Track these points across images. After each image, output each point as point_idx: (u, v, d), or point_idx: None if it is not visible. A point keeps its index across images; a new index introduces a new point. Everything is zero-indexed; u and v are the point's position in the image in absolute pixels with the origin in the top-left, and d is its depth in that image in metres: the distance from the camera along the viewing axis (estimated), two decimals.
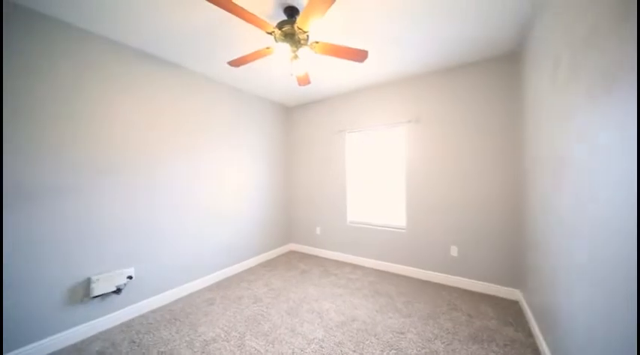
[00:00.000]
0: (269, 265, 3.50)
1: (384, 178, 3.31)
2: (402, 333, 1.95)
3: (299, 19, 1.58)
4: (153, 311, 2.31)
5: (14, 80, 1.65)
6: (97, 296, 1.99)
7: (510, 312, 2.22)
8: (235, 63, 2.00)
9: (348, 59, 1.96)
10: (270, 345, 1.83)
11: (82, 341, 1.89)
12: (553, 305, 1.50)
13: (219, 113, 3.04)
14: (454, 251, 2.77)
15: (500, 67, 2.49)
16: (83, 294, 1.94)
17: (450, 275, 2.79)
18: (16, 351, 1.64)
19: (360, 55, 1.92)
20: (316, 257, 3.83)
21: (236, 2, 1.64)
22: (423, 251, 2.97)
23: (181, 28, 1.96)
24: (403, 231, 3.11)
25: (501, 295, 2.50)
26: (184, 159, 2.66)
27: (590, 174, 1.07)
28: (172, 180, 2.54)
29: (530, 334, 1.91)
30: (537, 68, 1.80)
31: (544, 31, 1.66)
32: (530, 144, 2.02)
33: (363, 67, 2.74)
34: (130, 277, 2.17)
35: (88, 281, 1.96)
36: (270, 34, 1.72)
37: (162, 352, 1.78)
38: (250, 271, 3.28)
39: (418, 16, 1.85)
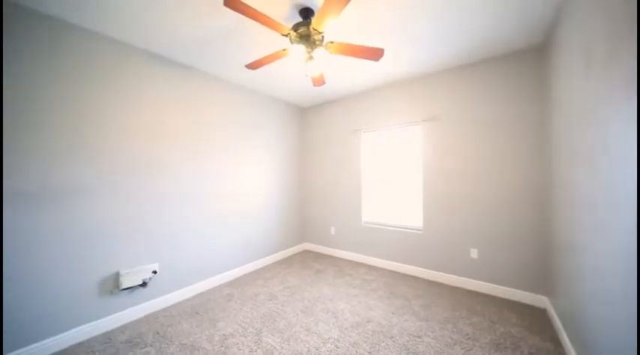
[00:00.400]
0: (284, 263, 3.55)
1: (400, 178, 3.24)
2: (419, 337, 1.91)
3: (314, 19, 1.59)
4: (175, 305, 2.42)
5: (41, 84, 1.80)
6: (125, 289, 2.12)
7: (537, 320, 2.10)
8: (253, 66, 2.05)
9: (364, 58, 1.95)
10: (286, 343, 1.86)
11: (112, 331, 2.02)
12: (586, 315, 1.41)
13: (237, 115, 3.13)
14: (474, 253, 2.66)
15: (524, 61, 2.36)
16: (113, 286, 2.08)
17: (469, 279, 2.69)
18: (53, 338, 1.79)
19: (375, 54, 1.90)
20: (330, 256, 3.84)
21: (253, 6, 1.68)
22: (441, 253, 2.88)
23: (198, 33, 2.03)
24: (420, 232, 3.04)
25: (527, 301, 2.37)
26: (206, 160, 2.76)
27: (632, 170, 0.98)
28: (194, 181, 2.65)
29: (559, 344, 1.80)
30: (567, 58, 1.69)
31: (576, 18, 1.55)
32: (559, 140, 1.90)
33: (378, 66, 2.71)
34: (155, 272, 2.30)
35: (117, 275, 2.09)
36: (286, 36, 1.74)
37: (183, 344, 1.86)
38: (266, 269, 3.34)
39: (437, 11, 1.80)
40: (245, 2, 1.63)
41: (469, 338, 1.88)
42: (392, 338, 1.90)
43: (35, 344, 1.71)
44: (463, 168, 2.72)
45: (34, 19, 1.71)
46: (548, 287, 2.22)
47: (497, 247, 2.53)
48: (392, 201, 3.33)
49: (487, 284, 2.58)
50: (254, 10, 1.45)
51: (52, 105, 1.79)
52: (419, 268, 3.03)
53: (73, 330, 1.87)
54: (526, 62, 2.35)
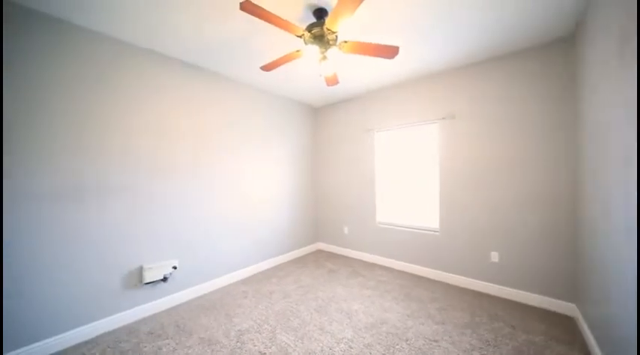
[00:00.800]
0: (298, 263, 3.58)
1: (415, 178, 3.17)
2: (436, 341, 1.86)
3: (328, 19, 1.59)
4: (194, 300, 2.52)
5: (72, 89, 1.93)
6: (148, 283, 2.24)
7: (564, 329, 1.98)
8: (267, 67, 2.08)
9: (378, 56, 1.92)
10: (300, 341, 1.88)
11: (136, 322, 2.14)
12: (621, 326, 1.31)
13: (254, 117, 3.20)
14: (495, 256, 2.55)
15: (550, 55, 2.23)
16: (137, 281, 2.19)
17: (489, 283, 2.58)
18: (84, 327, 1.92)
19: (390, 52, 1.87)
20: (344, 256, 3.82)
21: (268, 9, 1.71)
22: (459, 255, 2.78)
23: (214, 36, 2.10)
24: (436, 233, 2.95)
25: (553, 309, 2.24)
26: (222, 161, 2.85)
27: None
28: (212, 181, 2.74)
29: None
30: (602, 48, 1.57)
31: (606, 5, 1.45)
32: (591, 138, 1.77)
33: (392, 64, 2.66)
34: (175, 267, 2.40)
35: (140, 270, 2.21)
36: (300, 37, 1.76)
37: (202, 338, 1.93)
38: (279, 268, 3.39)
39: (455, 3, 1.74)
40: (260, 5, 1.67)
41: (489, 345, 1.80)
42: (407, 341, 1.86)
43: (68, 332, 1.84)
44: (483, 167, 2.62)
45: (43, 22, 1.75)
46: (578, 294, 2.09)
47: (520, 250, 2.41)
48: (407, 201, 3.27)
49: (509, 289, 2.46)
50: (269, 13, 1.47)
51: (77, 106, 1.92)
52: (435, 270, 2.95)
53: (102, 320, 1.99)
54: (552, 56, 2.22)
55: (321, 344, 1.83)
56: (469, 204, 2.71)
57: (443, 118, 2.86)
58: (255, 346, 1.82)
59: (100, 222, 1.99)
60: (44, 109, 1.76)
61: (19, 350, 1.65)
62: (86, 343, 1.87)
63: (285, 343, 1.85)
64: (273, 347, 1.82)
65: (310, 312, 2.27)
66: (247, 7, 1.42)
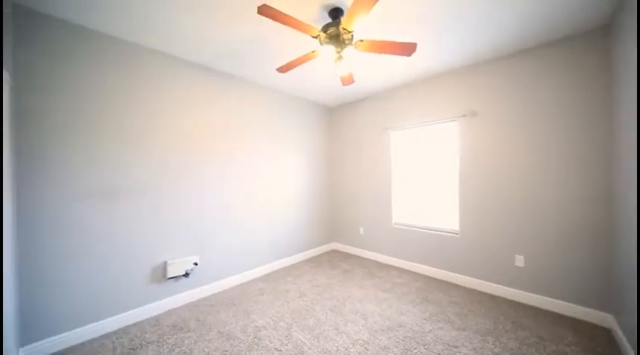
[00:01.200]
0: (313, 262, 3.60)
1: (433, 178, 3.08)
2: (456, 347, 1.79)
3: (344, 19, 1.59)
4: (213, 295, 2.61)
5: (108, 100, 2.06)
6: (171, 278, 2.35)
7: (597, 340, 1.84)
8: (283, 69, 2.11)
9: (395, 54, 1.89)
10: (315, 340, 1.89)
11: (159, 315, 2.25)
12: None
13: (270, 118, 3.26)
14: (520, 261, 2.42)
15: (582, 45, 2.08)
16: (161, 275, 2.31)
17: (513, 289, 2.45)
18: (112, 317, 2.04)
19: (407, 49, 1.83)
20: (359, 257, 3.79)
21: (284, 11, 1.74)
22: (480, 259, 2.67)
23: (232, 40, 2.16)
24: (456, 235, 2.85)
25: (586, 318, 2.08)
26: (241, 161, 2.93)
27: None
28: (231, 182, 2.83)
29: None
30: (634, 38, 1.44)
31: None
32: (631, 133, 1.63)
33: (409, 61, 2.60)
34: (196, 264, 2.50)
35: (165, 265, 2.32)
36: (316, 37, 1.77)
37: (221, 332, 2.00)
38: (295, 267, 3.42)
39: None
40: (277, 8, 1.70)
41: (514, 354, 1.72)
42: (425, 345, 1.82)
43: (100, 322, 1.97)
44: (507, 166, 2.49)
45: (103, 40, 1.98)
46: (614, 303, 1.93)
47: (549, 255, 2.27)
48: (424, 201, 3.18)
49: (536, 296, 2.33)
50: (286, 15, 1.49)
51: (115, 115, 2.05)
52: (455, 274, 2.85)
53: (129, 312, 2.12)
54: (588, 44, 2.07)
55: (336, 344, 1.83)
56: (491, 204, 2.59)
57: (463, 115, 2.76)
58: (271, 343, 1.86)
59: (127, 220, 2.12)
60: (94, 119, 1.90)
61: (55, 337, 1.79)
62: (115, 332, 1.99)
63: (301, 341, 1.87)
64: (289, 344, 1.84)
65: (325, 312, 2.27)
66: (265, 11, 1.45)
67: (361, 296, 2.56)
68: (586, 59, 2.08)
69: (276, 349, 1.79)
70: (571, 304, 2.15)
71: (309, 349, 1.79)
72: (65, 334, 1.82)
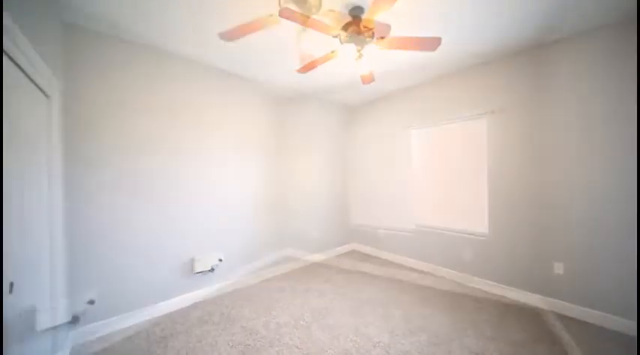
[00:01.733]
0: (332, 262, 3.60)
1: (458, 177, 2.93)
2: None
3: (366, 15, 1.56)
4: (237, 290, 2.71)
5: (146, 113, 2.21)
6: (198, 273, 2.47)
7: None
8: (303, 69, 2.13)
9: (418, 50, 1.83)
10: (335, 340, 1.88)
11: (187, 307, 2.38)
12: None
13: (289, 118, 3.32)
14: (559, 268, 2.22)
15: (621, 33, 1.86)
16: (189, 270, 2.44)
17: (551, 298, 2.26)
18: (147, 307, 2.20)
19: (431, 44, 1.76)
20: (378, 258, 3.72)
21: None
22: (512, 264, 2.50)
23: (251, 43, 2.22)
24: (484, 238, 2.69)
25: (633, 334, 1.86)
26: (261, 163, 3.03)
27: None
28: (251, 182, 2.93)
29: None
30: None
31: None
32: None
33: (430, 57, 2.50)
34: (221, 260, 2.61)
35: (192, 260, 2.45)
36: (336, 36, 1.76)
37: (244, 327, 2.07)
38: (315, 266, 3.44)
39: None
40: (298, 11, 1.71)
41: None
42: (450, 353, 1.74)
43: (136, 310, 2.13)
44: (543, 164, 2.30)
45: (131, 47, 2.14)
46: None
47: (594, 262, 2.06)
48: (448, 202, 3.04)
49: (577, 307, 2.13)
50: (306, 16, 1.50)
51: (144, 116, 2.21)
52: (482, 279, 2.69)
53: (162, 303, 2.27)
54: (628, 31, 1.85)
55: (357, 345, 1.82)
56: (525, 204, 2.41)
57: (492, 112, 2.60)
58: (291, 340, 1.89)
59: (160, 217, 2.27)
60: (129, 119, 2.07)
61: (104, 321, 1.97)
62: (149, 321, 2.15)
63: (321, 340, 1.88)
64: (308, 342, 1.86)
65: (345, 313, 2.26)
66: (285, 14, 1.47)
67: (381, 299, 2.51)
68: (623, 46, 1.85)
69: (296, 347, 1.82)
70: (622, 318, 1.93)
71: (330, 348, 1.79)
72: (104, 321, 1.99)
